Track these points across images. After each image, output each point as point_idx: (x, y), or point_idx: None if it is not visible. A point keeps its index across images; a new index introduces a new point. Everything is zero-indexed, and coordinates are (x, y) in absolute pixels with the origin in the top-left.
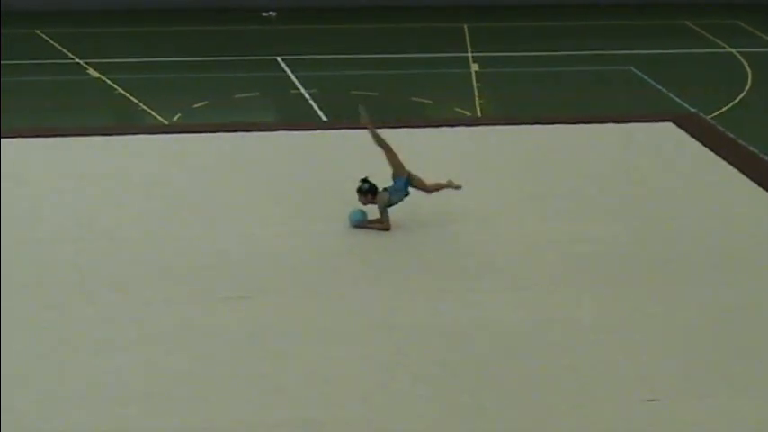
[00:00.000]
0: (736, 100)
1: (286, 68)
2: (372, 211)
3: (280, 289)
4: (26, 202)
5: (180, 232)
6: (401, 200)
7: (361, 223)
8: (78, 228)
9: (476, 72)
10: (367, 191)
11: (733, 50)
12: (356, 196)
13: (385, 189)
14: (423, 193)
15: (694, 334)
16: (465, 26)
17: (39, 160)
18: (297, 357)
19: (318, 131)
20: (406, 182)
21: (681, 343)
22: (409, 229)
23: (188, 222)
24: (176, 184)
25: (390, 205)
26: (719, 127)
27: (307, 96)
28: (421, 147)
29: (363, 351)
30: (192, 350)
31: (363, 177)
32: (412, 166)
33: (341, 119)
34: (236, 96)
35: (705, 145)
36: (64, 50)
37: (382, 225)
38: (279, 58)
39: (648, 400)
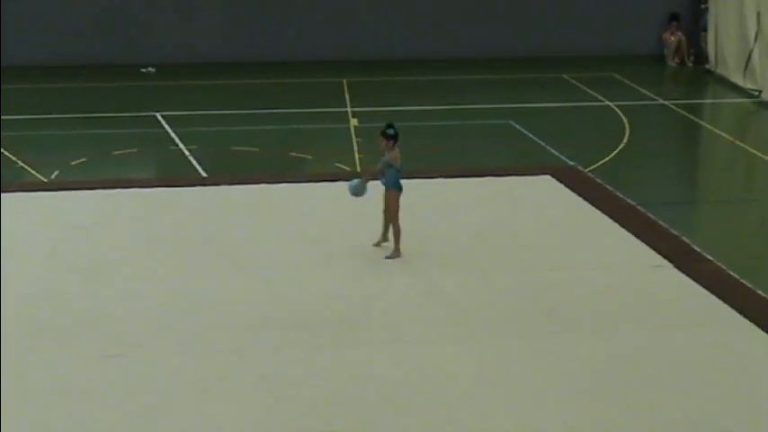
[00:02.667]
0: (614, 152)
1: (165, 125)
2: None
3: (157, 345)
4: None
5: (57, 289)
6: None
7: (359, 189)
8: None
9: (355, 127)
10: (391, 136)
11: (610, 103)
12: (235, 252)
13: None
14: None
15: (575, 386)
16: (344, 81)
17: None
18: (173, 415)
19: (198, 188)
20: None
21: (562, 395)
22: (283, 283)
23: (65, 279)
24: (54, 242)
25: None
26: (597, 179)
27: (186, 153)
28: (301, 202)
29: (241, 407)
30: (69, 409)
31: (390, 124)
32: (292, 220)
33: (220, 175)
34: (115, 153)
35: (583, 197)
36: None
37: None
38: (158, 115)
39: None
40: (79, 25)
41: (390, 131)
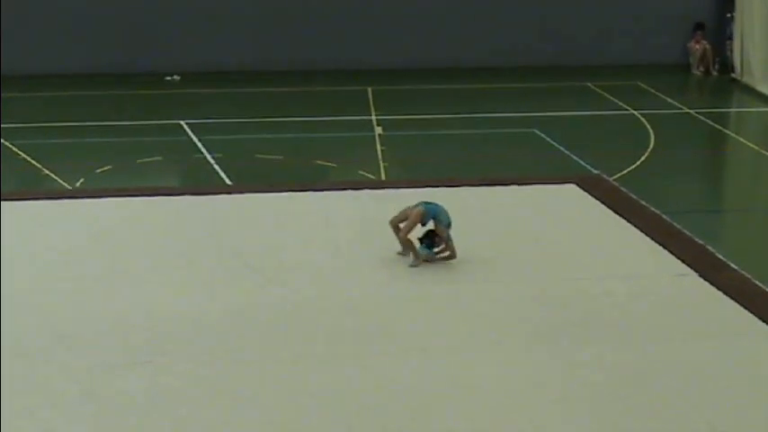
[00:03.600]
0: (639, 161)
1: (190, 132)
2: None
3: (183, 354)
4: None
5: (82, 297)
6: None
7: (430, 256)
8: None
9: (380, 135)
10: (428, 237)
11: (635, 112)
12: (260, 260)
13: (435, 218)
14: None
15: (600, 396)
16: (369, 89)
17: None
18: (201, 424)
19: (223, 195)
20: None
21: (587, 405)
22: (308, 292)
23: (90, 287)
24: (79, 249)
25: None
26: (622, 188)
27: (211, 160)
28: (325, 210)
29: (268, 417)
30: (95, 418)
31: (420, 237)
32: (317, 228)
33: (245, 183)
34: (140, 161)
35: (608, 206)
36: None
37: (449, 254)
38: (183, 122)
39: None
40: (104, 34)
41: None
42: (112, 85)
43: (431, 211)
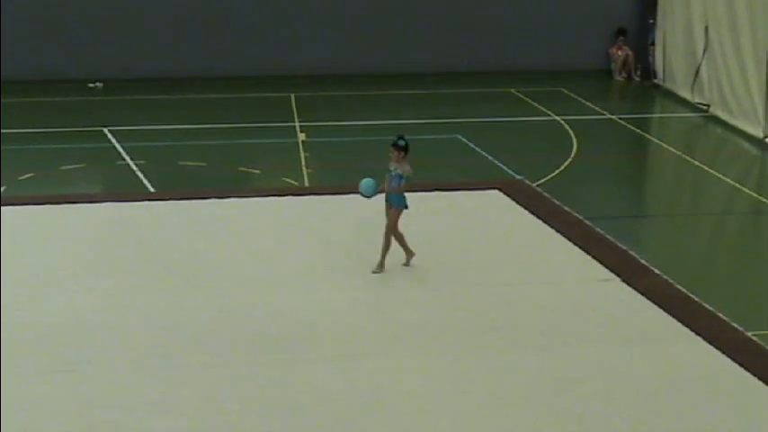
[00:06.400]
0: (562, 167)
1: (113, 139)
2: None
3: (107, 361)
4: None
5: (5, 305)
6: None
7: (375, 191)
8: None
9: (303, 141)
10: (403, 147)
11: (558, 118)
12: (184, 267)
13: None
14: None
15: (521, 400)
16: (292, 95)
17: None
18: (121, 431)
19: (145, 202)
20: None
21: (511, 410)
22: (232, 299)
23: (12, 295)
24: (2, 257)
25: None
26: (545, 194)
27: (134, 167)
28: (249, 217)
29: (192, 423)
30: (20, 425)
31: (401, 135)
32: (240, 235)
33: (168, 190)
34: (63, 168)
35: (531, 212)
36: None
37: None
38: (105, 129)
39: None
40: (26, 39)
41: (402, 143)
42: (35, 92)
43: (401, 203)
